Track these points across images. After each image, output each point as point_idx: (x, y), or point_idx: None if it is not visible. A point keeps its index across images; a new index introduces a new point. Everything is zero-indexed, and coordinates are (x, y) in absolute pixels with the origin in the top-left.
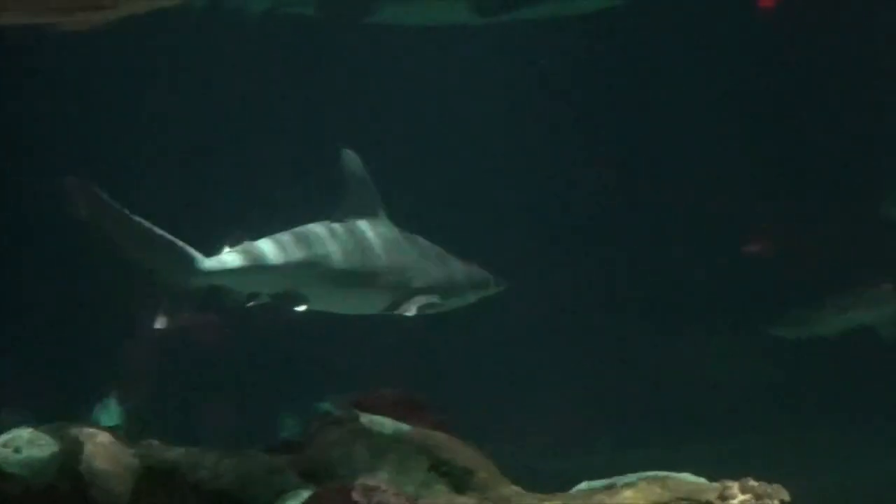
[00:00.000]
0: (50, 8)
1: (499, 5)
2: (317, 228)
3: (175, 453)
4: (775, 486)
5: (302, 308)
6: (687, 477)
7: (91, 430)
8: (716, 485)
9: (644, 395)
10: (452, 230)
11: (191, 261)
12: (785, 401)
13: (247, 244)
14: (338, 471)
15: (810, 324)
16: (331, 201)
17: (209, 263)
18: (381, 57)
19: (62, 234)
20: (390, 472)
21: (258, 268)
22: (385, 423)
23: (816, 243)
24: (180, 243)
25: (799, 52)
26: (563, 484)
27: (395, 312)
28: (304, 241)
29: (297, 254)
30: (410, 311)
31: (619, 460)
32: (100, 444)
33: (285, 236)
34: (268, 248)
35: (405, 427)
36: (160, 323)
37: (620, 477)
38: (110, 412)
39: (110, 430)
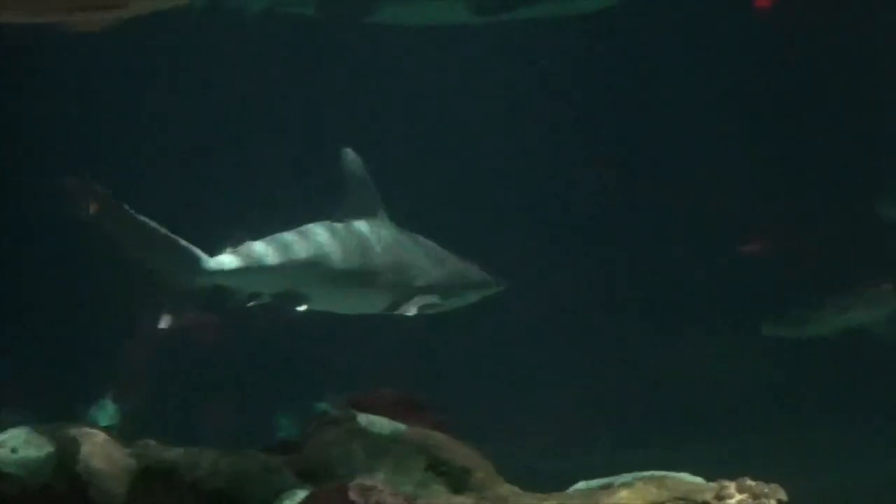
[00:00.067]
0: (61, 7)
1: (498, 5)
2: (318, 228)
3: (172, 453)
4: (772, 485)
5: (303, 308)
6: (684, 477)
7: (88, 429)
8: (713, 484)
9: (644, 395)
10: (452, 230)
11: (195, 260)
12: (785, 401)
13: (249, 244)
14: (335, 470)
15: (808, 324)
16: (331, 201)
17: (213, 263)
18: (381, 57)
19: (62, 234)
20: (388, 472)
21: (262, 267)
22: (382, 423)
23: (816, 243)
24: (184, 243)
25: (798, 51)
26: (563, 484)
27: (396, 312)
28: (306, 240)
29: (300, 254)
30: (411, 310)
31: (619, 460)
32: (97, 444)
33: (287, 236)
34: (270, 247)
35: (402, 427)
36: (164, 322)
37: (617, 477)
38: (106, 412)
39: (106, 429)
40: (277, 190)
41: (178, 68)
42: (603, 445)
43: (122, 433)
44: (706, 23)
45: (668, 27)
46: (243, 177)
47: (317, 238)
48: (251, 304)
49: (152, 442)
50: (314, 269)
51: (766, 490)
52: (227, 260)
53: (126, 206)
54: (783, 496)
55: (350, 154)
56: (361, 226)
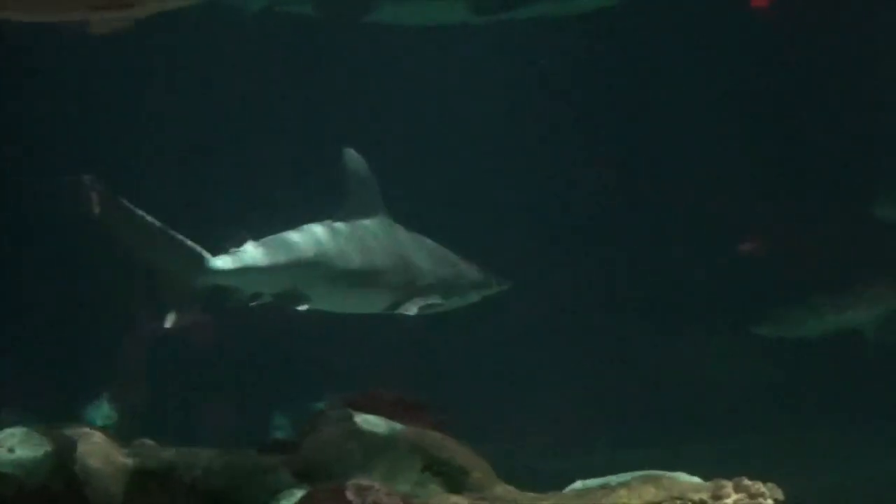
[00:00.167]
0: (76, 6)
1: (497, 4)
2: (321, 228)
3: (169, 453)
4: (769, 484)
5: (305, 307)
6: (681, 476)
7: (85, 429)
8: (710, 484)
9: (644, 395)
10: (452, 230)
11: (198, 260)
12: (785, 401)
13: (251, 244)
14: (332, 470)
15: (803, 323)
16: (331, 201)
17: (216, 262)
18: (380, 56)
19: (62, 234)
20: (384, 472)
21: (265, 267)
22: (379, 423)
23: (816, 243)
24: (188, 242)
25: (797, 51)
26: (563, 484)
27: (398, 312)
28: (309, 240)
29: (303, 253)
30: (413, 310)
31: (618, 460)
32: (93, 444)
33: (290, 236)
34: (273, 247)
35: (399, 427)
36: (168, 322)
37: (614, 476)
38: (102, 412)
39: (103, 429)
40: (278, 189)
41: (177, 68)
42: (603, 445)
43: (119, 433)
44: (706, 22)
45: (668, 27)
46: (244, 176)
47: (319, 238)
48: (252, 303)
49: (149, 441)
50: (317, 268)
51: (762, 489)
52: (230, 259)
53: (130, 206)
54: (780, 496)
55: (352, 154)
56: (364, 225)
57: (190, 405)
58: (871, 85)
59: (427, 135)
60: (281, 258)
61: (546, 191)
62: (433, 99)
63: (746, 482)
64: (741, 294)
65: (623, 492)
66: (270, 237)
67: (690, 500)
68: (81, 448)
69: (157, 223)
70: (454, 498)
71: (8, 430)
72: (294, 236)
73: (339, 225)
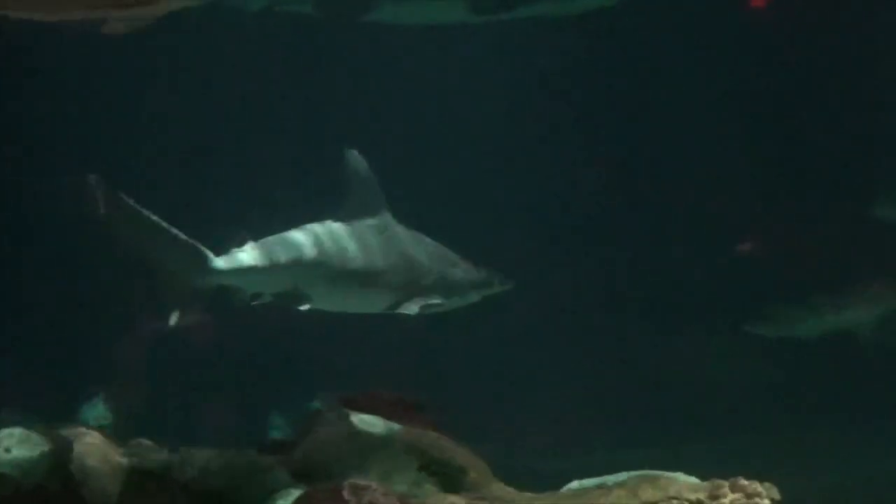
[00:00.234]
0: (92, 4)
1: (497, 4)
2: (323, 227)
3: (165, 453)
4: (766, 484)
5: (306, 307)
6: (678, 476)
7: (81, 429)
8: (707, 484)
9: (644, 395)
10: (452, 229)
11: (202, 259)
12: (785, 401)
13: (253, 243)
14: (329, 470)
15: (797, 323)
16: (332, 201)
17: (220, 262)
18: (380, 56)
19: (62, 234)
20: (381, 472)
21: (269, 267)
22: (376, 423)
23: (816, 243)
24: (192, 242)
25: (797, 51)
26: (562, 484)
27: (401, 311)
28: (311, 240)
29: (306, 253)
30: (415, 310)
31: (618, 460)
32: (90, 444)
33: (292, 236)
34: (276, 247)
35: (396, 426)
36: (172, 321)
37: (611, 476)
38: (97, 411)
39: (99, 429)
40: (279, 189)
41: (176, 67)
42: (602, 445)
43: (116, 433)
44: (706, 22)
45: (668, 26)
46: (245, 176)
47: (321, 238)
48: (254, 303)
49: (146, 441)
50: (319, 268)
51: (759, 489)
52: (233, 259)
53: (135, 205)
54: (776, 495)
55: (354, 154)
56: (365, 225)
57: (187, 405)
58: (869, 85)
59: (427, 134)
60: (283, 258)
61: (546, 191)
62: (433, 98)
63: (743, 482)
64: (741, 294)
65: (620, 492)
66: (272, 237)
67: (687, 500)
68: (78, 448)
69: (161, 222)
70: (451, 498)
71: (5, 431)
72: (296, 236)
73: (341, 225)
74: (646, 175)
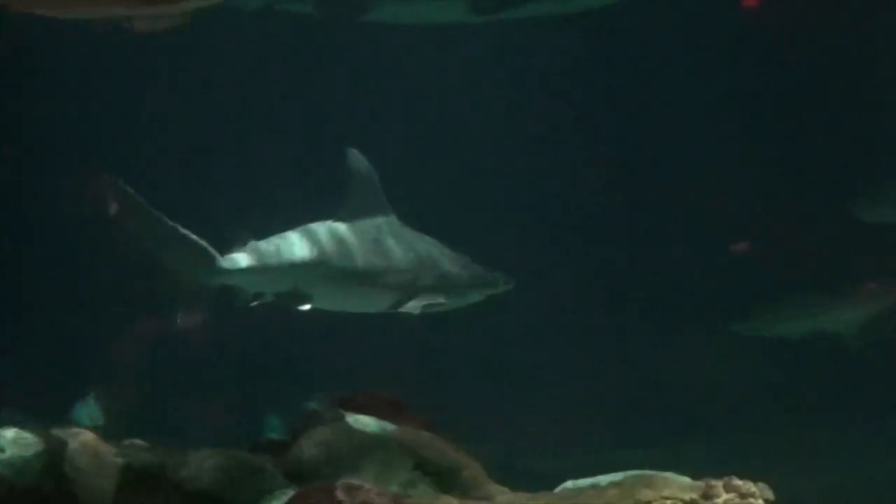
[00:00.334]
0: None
1: (496, 4)
2: (326, 227)
3: (160, 453)
4: (760, 484)
5: (308, 307)
6: (672, 476)
7: (75, 429)
8: (700, 483)
9: (644, 394)
10: (452, 229)
11: (210, 259)
12: (785, 401)
13: (257, 243)
14: (322, 470)
15: (789, 322)
16: (332, 201)
17: (226, 262)
18: (379, 55)
19: (62, 234)
20: (375, 472)
21: (273, 266)
22: (370, 423)
23: (816, 244)
24: (200, 241)
25: (796, 51)
26: (561, 484)
27: (403, 311)
28: (315, 240)
29: (310, 253)
30: (418, 309)
31: (618, 460)
32: (84, 444)
33: (295, 235)
34: (281, 247)
35: (390, 427)
36: (179, 319)
37: (605, 476)
38: (89, 412)
39: (93, 429)
40: (281, 189)
41: (175, 66)
42: (602, 445)
43: (109, 433)
44: (706, 21)
45: (668, 25)
46: (245, 176)
47: (325, 238)
48: (255, 303)
49: (140, 441)
50: (324, 268)
51: (753, 489)
52: (240, 259)
53: (146, 204)
54: (770, 495)
55: (355, 154)
56: (368, 225)
57: (181, 405)
58: (863, 86)
59: (428, 134)
60: (288, 258)
61: (546, 191)
62: (433, 98)
63: (737, 482)
64: (741, 294)
65: (614, 492)
66: (276, 237)
67: (681, 500)
68: (72, 448)
69: (170, 222)
70: (445, 498)
71: None
72: (299, 236)
73: (344, 225)
74: (646, 175)
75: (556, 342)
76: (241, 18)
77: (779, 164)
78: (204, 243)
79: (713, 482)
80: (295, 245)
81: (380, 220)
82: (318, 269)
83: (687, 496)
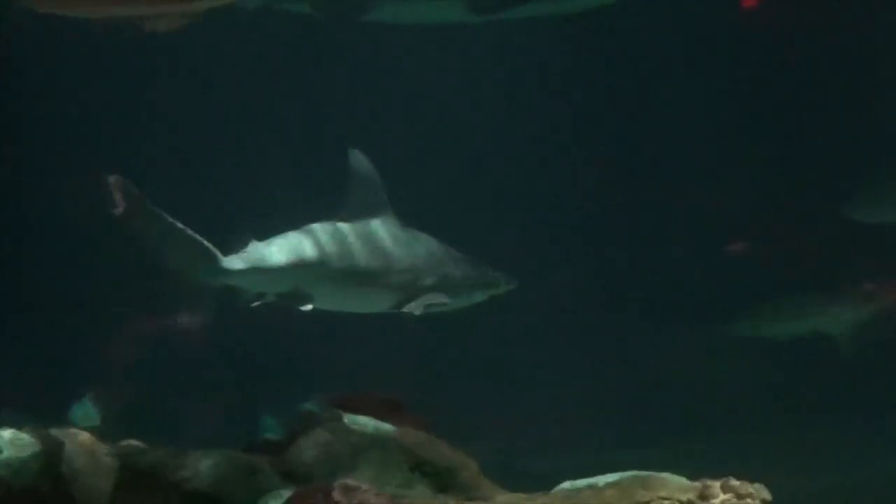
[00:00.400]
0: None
1: (496, 4)
2: (327, 227)
3: (156, 453)
4: (757, 485)
5: (310, 307)
6: (669, 476)
7: (72, 430)
8: (697, 484)
9: (644, 394)
10: (453, 229)
11: (213, 259)
12: (785, 401)
13: (259, 243)
14: (319, 471)
15: (773, 323)
16: (333, 201)
17: (230, 262)
18: (379, 55)
19: (62, 233)
20: (372, 472)
21: (277, 267)
22: (367, 423)
23: (815, 244)
24: (203, 242)
25: (796, 51)
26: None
27: (406, 311)
28: (318, 240)
29: (314, 253)
30: (420, 309)
31: (618, 460)
32: (81, 444)
33: (297, 236)
34: (284, 247)
35: (387, 427)
36: (181, 320)
37: (602, 476)
38: (85, 412)
39: (90, 430)
40: (283, 190)
41: (176, 67)
42: (602, 445)
43: (106, 433)
44: (706, 21)
45: (668, 25)
46: (245, 176)
47: (327, 238)
48: (256, 303)
49: (136, 442)
50: (327, 268)
51: (750, 490)
52: (243, 259)
53: (153, 205)
54: (767, 496)
55: (357, 154)
56: (371, 225)
57: (178, 405)
58: (864, 86)
59: (428, 134)
60: (291, 258)
61: (546, 191)
62: (433, 98)
63: (734, 482)
64: (741, 294)
65: (611, 492)
66: (278, 237)
67: (678, 501)
68: (69, 449)
69: (176, 222)
70: (442, 498)
71: None
72: (301, 236)
73: (346, 225)
74: (645, 175)
75: (556, 342)
76: (240, 18)
77: (779, 165)
78: (207, 243)
79: (710, 483)
80: (297, 245)
81: (381, 221)
82: (320, 270)
83: (684, 497)
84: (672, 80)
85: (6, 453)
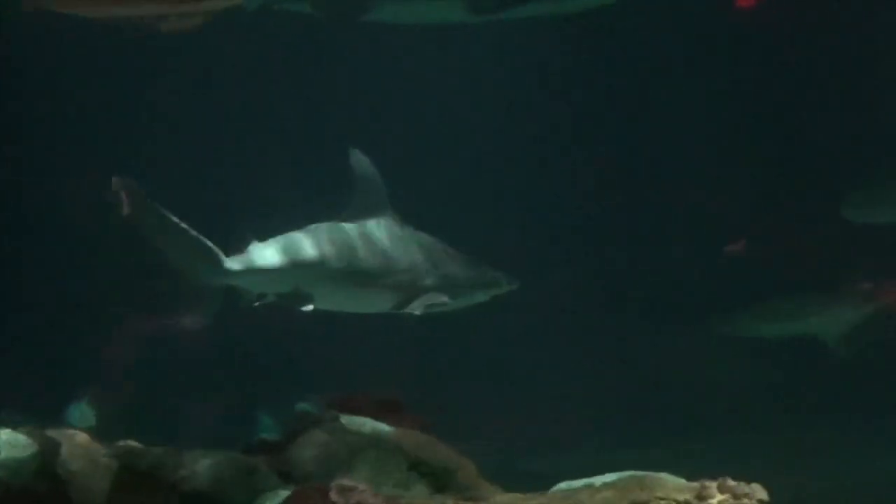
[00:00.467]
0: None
1: (495, 4)
2: (330, 228)
3: (153, 453)
4: (754, 485)
5: (311, 307)
6: (666, 477)
7: (69, 430)
8: (694, 484)
9: (644, 394)
10: (453, 229)
11: (216, 260)
12: (785, 401)
13: (261, 244)
14: (316, 471)
15: (768, 324)
16: (335, 201)
17: (233, 263)
18: (379, 55)
19: (62, 233)
20: (369, 473)
21: (280, 267)
22: (364, 424)
23: (815, 244)
24: (207, 242)
25: (795, 50)
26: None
27: (407, 311)
28: (320, 240)
29: (316, 253)
30: (422, 309)
31: (618, 460)
32: (77, 445)
33: (299, 236)
34: (286, 247)
35: (384, 427)
36: (181, 320)
37: (599, 476)
38: (81, 413)
39: (86, 430)
40: (284, 190)
41: (176, 67)
42: (602, 445)
43: (103, 433)
44: (705, 20)
45: (667, 26)
46: (249, 177)
47: (329, 238)
48: (257, 303)
49: (133, 442)
50: (330, 269)
51: (746, 490)
52: (245, 259)
53: (159, 207)
54: (764, 496)
55: (358, 154)
56: (372, 225)
57: (175, 406)
58: (863, 86)
59: (428, 135)
60: (293, 259)
61: (546, 191)
62: (433, 98)
63: (731, 483)
64: (741, 294)
65: (607, 492)
66: (280, 237)
67: (675, 501)
68: (66, 449)
69: (181, 223)
70: (439, 498)
71: None
72: (304, 237)
73: (348, 225)
74: (645, 175)
75: (556, 342)
76: (240, 18)
77: (780, 164)
78: (210, 244)
79: (707, 483)
80: (297, 246)
81: (382, 221)
82: (321, 270)
83: (681, 497)
84: (672, 80)
85: (3, 454)
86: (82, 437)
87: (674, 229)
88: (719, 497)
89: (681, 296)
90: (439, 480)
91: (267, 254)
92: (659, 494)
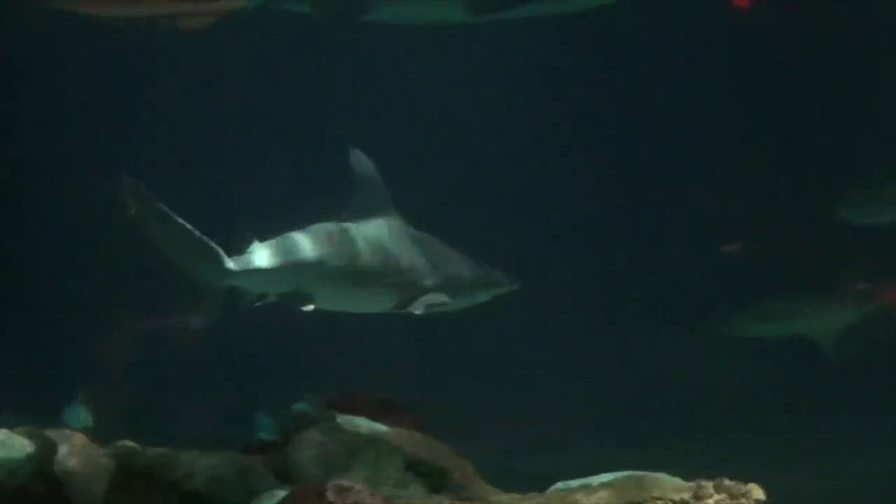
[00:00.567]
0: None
1: (495, 4)
2: (331, 228)
3: (150, 454)
4: (751, 485)
5: (311, 307)
6: (662, 476)
7: (66, 431)
8: (691, 484)
9: (644, 394)
10: (453, 229)
11: (217, 260)
12: (785, 401)
13: (262, 244)
14: (313, 471)
15: (767, 324)
16: (335, 201)
17: (234, 263)
18: (378, 55)
19: (62, 233)
20: (366, 473)
21: (282, 268)
22: (361, 424)
23: (814, 245)
24: (209, 242)
25: (795, 50)
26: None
27: (408, 311)
28: (321, 240)
29: (317, 254)
30: (423, 309)
31: (618, 460)
32: (74, 445)
33: (300, 236)
34: (288, 247)
35: (381, 427)
36: (182, 321)
37: (596, 476)
38: (78, 413)
39: (83, 430)
40: (285, 190)
41: (176, 67)
42: (602, 445)
43: (100, 434)
44: (705, 20)
45: (667, 25)
46: (249, 177)
47: (330, 238)
48: (258, 303)
49: (130, 443)
50: (331, 269)
51: (743, 490)
52: (247, 260)
53: (164, 206)
54: (761, 496)
55: (359, 154)
56: (372, 225)
57: (173, 406)
58: (862, 87)
59: (428, 135)
60: (295, 259)
61: (546, 190)
62: (434, 98)
63: (727, 482)
64: (741, 294)
65: (604, 492)
66: (281, 238)
67: (671, 501)
68: (62, 449)
69: (185, 223)
70: (436, 498)
71: None
72: (305, 237)
73: (349, 225)
74: (645, 175)
75: (556, 342)
76: (240, 18)
77: (778, 165)
78: (212, 244)
79: (704, 483)
80: (299, 246)
81: (383, 221)
82: (322, 270)
83: (677, 497)
84: (671, 80)
85: (0, 454)
86: (79, 437)
87: (673, 230)
88: (716, 497)
89: (680, 296)
90: (437, 480)
91: (268, 254)
92: (656, 494)
